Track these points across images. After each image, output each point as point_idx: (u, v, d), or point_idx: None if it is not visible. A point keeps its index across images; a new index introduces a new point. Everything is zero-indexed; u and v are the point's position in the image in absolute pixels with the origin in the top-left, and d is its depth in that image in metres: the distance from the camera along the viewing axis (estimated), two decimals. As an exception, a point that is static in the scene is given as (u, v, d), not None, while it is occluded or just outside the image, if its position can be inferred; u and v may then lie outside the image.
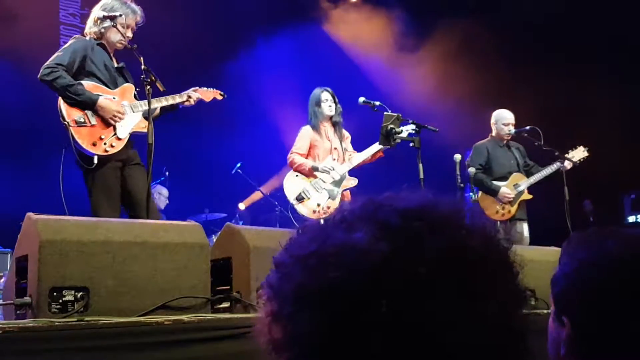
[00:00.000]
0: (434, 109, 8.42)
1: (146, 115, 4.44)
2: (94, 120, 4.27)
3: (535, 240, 6.41)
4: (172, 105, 4.68)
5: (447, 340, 0.67)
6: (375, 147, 5.71)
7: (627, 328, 1.13)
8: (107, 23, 4.52)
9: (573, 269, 1.19)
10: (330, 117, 5.86)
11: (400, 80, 9.21)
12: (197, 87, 4.86)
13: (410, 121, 5.09)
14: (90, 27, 4.59)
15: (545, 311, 3.62)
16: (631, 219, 9.46)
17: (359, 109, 5.61)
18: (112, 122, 4.31)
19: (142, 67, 4.35)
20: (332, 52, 9.86)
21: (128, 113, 4.43)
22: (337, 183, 5.75)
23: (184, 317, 2.64)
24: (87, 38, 4.56)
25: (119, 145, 4.35)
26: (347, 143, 5.98)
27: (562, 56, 8.61)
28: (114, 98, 4.41)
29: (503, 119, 6.62)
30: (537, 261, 3.74)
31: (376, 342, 0.66)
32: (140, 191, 4.40)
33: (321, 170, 5.68)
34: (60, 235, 2.57)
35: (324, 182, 5.71)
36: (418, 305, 0.67)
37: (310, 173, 5.71)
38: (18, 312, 2.59)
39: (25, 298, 2.54)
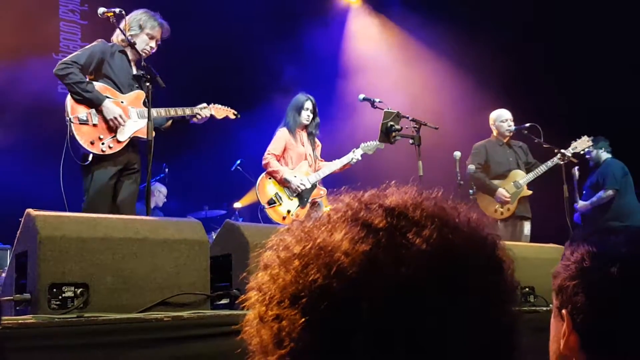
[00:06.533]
0: (434, 106, 8.42)
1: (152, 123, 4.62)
2: (96, 120, 4.41)
3: (535, 237, 6.42)
4: (182, 118, 4.80)
5: (433, 340, 0.67)
6: (344, 160, 5.94)
7: (627, 321, 1.13)
8: (134, 32, 4.70)
9: (575, 261, 1.19)
10: (306, 126, 5.93)
11: (401, 78, 9.21)
12: (210, 105, 4.93)
13: (410, 118, 5.10)
14: (118, 35, 4.76)
15: (544, 308, 3.62)
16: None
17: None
18: (111, 124, 4.44)
19: (142, 64, 4.45)
20: (336, 51, 9.89)
21: (133, 118, 4.57)
22: (308, 191, 5.83)
23: (184, 314, 2.65)
24: (110, 44, 4.75)
25: (116, 147, 4.48)
26: (317, 152, 6.10)
27: (562, 56, 8.60)
28: (122, 102, 4.56)
29: (501, 117, 6.70)
30: (536, 258, 3.74)
31: (360, 343, 0.67)
32: (124, 201, 4.57)
33: (293, 189, 5.77)
34: (59, 232, 2.56)
35: (296, 189, 5.79)
36: (400, 305, 0.67)
37: (281, 182, 5.79)
38: (17, 308, 2.59)
39: (25, 294, 2.54)
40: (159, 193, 8.01)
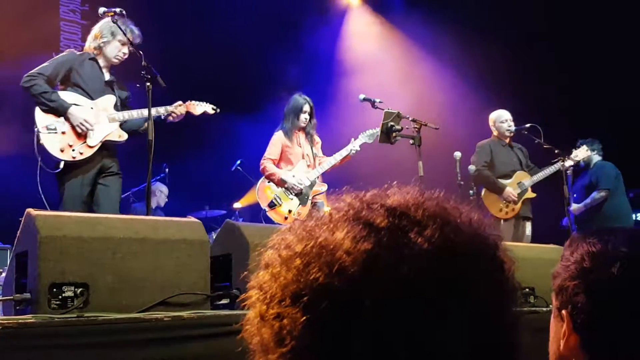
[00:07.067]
0: (435, 106, 8.41)
1: (125, 127, 4.71)
2: (64, 128, 4.49)
3: (535, 238, 6.42)
4: (158, 118, 4.76)
5: (433, 340, 0.67)
6: (344, 152, 5.90)
7: (627, 321, 1.12)
8: (106, 39, 4.74)
9: (574, 262, 1.19)
10: (304, 128, 5.93)
11: (402, 77, 9.20)
12: (187, 102, 4.90)
13: (410, 118, 5.09)
14: (89, 43, 4.83)
15: (544, 309, 3.62)
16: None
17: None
18: (78, 130, 4.50)
19: (143, 63, 4.39)
20: (337, 50, 9.88)
21: (103, 123, 4.61)
22: (308, 189, 5.83)
23: (184, 314, 2.64)
24: (79, 52, 4.83)
25: (87, 153, 4.54)
26: (318, 148, 6.11)
27: (563, 56, 8.60)
28: (91, 108, 4.61)
29: (500, 117, 6.72)
30: (536, 259, 3.74)
31: (360, 342, 0.67)
32: (109, 204, 4.59)
33: (289, 187, 5.77)
34: (60, 232, 2.56)
35: (292, 188, 5.78)
36: (402, 304, 0.67)
37: (279, 184, 5.80)
38: (18, 307, 2.59)
39: (25, 294, 2.54)
40: (161, 193, 8.02)
